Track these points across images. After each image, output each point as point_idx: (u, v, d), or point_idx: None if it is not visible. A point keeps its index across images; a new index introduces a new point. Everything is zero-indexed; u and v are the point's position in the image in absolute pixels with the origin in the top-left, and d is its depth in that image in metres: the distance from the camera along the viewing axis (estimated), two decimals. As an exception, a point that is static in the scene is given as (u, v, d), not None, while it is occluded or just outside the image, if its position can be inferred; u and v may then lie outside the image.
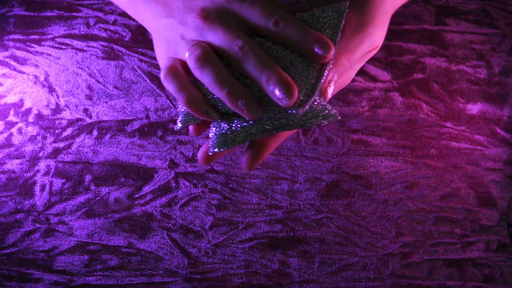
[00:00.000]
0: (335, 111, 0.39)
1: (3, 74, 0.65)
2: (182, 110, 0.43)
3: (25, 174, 0.61)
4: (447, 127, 0.62)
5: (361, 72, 0.64)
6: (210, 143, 0.41)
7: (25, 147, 0.62)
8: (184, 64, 0.42)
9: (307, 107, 0.38)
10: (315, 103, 0.39)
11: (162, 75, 0.41)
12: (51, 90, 0.64)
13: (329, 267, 0.58)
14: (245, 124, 0.40)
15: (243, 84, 0.39)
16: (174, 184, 0.60)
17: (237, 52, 0.39)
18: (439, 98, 0.63)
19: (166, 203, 0.60)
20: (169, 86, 0.41)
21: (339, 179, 0.60)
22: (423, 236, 0.59)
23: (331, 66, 0.40)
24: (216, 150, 0.41)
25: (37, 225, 0.59)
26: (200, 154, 0.43)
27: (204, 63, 0.39)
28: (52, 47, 0.65)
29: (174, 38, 0.42)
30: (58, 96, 0.64)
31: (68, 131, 0.62)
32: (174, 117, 0.63)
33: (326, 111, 0.39)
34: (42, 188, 0.60)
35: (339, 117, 0.40)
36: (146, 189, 0.60)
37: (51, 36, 0.65)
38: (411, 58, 0.64)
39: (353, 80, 0.64)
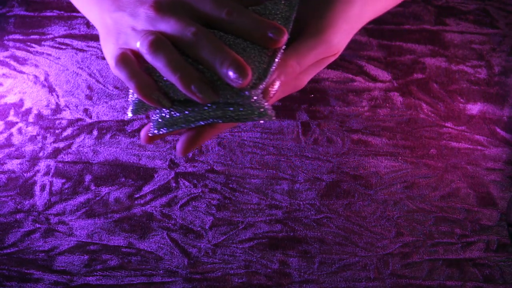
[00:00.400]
0: (271, 111, 0.40)
1: (3, 74, 0.65)
2: (133, 98, 0.43)
3: (25, 174, 0.61)
4: (447, 127, 0.62)
5: (361, 72, 0.64)
6: (151, 124, 0.42)
7: (25, 147, 0.62)
8: (135, 53, 0.42)
9: (259, 90, 0.39)
10: (254, 98, 0.40)
11: (112, 64, 0.41)
12: (51, 90, 0.64)
13: (329, 267, 0.58)
14: (185, 112, 0.41)
15: (196, 69, 0.40)
16: (174, 184, 0.60)
17: (190, 38, 0.39)
18: (439, 98, 0.63)
19: (166, 203, 0.60)
20: (121, 73, 0.41)
21: (339, 179, 0.60)
22: (423, 236, 0.59)
23: (278, 58, 0.41)
24: (156, 132, 0.42)
25: (37, 225, 0.59)
26: (142, 133, 0.44)
27: (157, 49, 0.39)
28: (52, 47, 0.65)
29: (125, 31, 0.42)
30: (58, 96, 0.64)
31: (68, 131, 0.62)
32: (174, 117, 0.63)
33: (262, 109, 0.40)
34: (42, 188, 0.60)
35: (274, 118, 0.40)
36: (146, 189, 0.60)
37: (51, 36, 0.65)
38: (411, 58, 0.64)
39: (353, 80, 0.64)
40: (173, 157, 0.61)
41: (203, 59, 0.39)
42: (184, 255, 0.58)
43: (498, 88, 0.63)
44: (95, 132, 0.62)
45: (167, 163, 0.61)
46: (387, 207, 0.59)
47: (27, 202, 0.60)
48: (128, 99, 0.44)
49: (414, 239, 0.59)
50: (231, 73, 0.38)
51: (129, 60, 0.41)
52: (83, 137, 0.62)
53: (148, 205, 0.60)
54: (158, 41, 0.40)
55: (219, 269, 0.58)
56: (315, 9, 0.44)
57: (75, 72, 0.63)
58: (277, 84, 0.42)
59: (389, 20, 0.66)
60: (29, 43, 0.66)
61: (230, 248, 0.59)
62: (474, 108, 0.63)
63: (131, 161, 0.61)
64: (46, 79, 0.64)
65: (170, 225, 0.59)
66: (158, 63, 0.40)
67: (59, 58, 0.64)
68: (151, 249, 0.59)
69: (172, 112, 0.42)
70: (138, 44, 0.41)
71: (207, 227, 0.59)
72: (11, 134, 0.62)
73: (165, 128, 0.42)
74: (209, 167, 0.61)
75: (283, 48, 0.41)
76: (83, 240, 0.59)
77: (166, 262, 0.58)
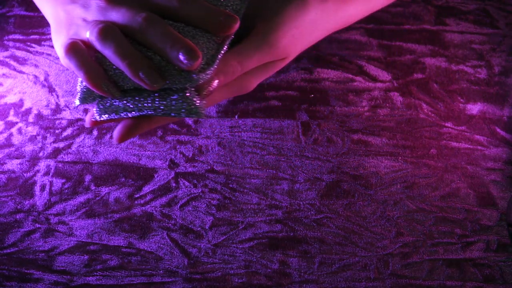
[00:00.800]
0: (203, 110, 0.41)
1: (3, 74, 0.65)
2: (81, 87, 0.43)
3: (25, 174, 0.61)
4: (447, 127, 0.62)
5: (361, 72, 0.64)
6: (95, 110, 0.43)
7: (25, 147, 0.62)
8: (85, 43, 0.42)
9: (208, 75, 0.40)
10: (187, 93, 0.40)
11: (62, 54, 0.41)
12: (51, 90, 0.64)
13: (329, 267, 0.58)
14: (125, 101, 0.42)
15: (145, 56, 0.40)
16: (174, 184, 0.60)
17: (140, 23, 0.40)
18: (439, 98, 0.63)
19: (166, 203, 0.60)
20: (70, 62, 0.41)
21: (339, 179, 0.60)
22: (423, 236, 0.59)
23: (227, 46, 0.41)
24: (97, 117, 0.43)
25: (37, 225, 0.59)
26: (87, 117, 0.44)
27: (105, 36, 0.40)
28: (52, 47, 0.65)
29: (76, 22, 0.42)
30: (58, 96, 0.64)
31: (68, 131, 0.62)
32: (174, 117, 0.63)
33: (193, 106, 0.40)
34: (42, 188, 0.60)
35: (204, 117, 0.41)
36: (146, 189, 0.60)
37: (51, 36, 0.65)
38: (411, 58, 0.64)
39: (353, 80, 0.64)
40: (173, 157, 0.61)
41: (153, 44, 0.40)
42: (184, 255, 0.58)
43: (498, 88, 0.63)
44: (95, 132, 0.62)
45: (167, 163, 0.61)
46: (387, 207, 0.59)
47: (27, 202, 0.60)
48: (77, 88, 0.44)
49: (414, 239, 0.59)
50: (181, 56, 0.38)
51: (79, 49, 0.41)
52: (83, 137, 0.62)
53: (148, 205, 0.60)
54: (107, 29, 0.40)
55: (219, 269, 0.58)
56: (264, 12, 0.44)
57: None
58: (215, 83, 0.42)
59: (389, 20, 0.66)
60: (29, 43, 0.66)
61: (230, 248, 0.59)
62: (474, 108, 0.63)
63: (131, 161, 0.61)
64: (46, 79, 0.64)
65: (170, 225, 0.59)
66: (107, 51, 0.40)
67: (59, 58, 0.64)
68: (151, 249, 0.59)
69: (114, 101, 0.42)
70: (88, 34, 0.41)
71: (207, 227, 0.59)
72: (11, 134, 0.62)
73: (106, 115, 0.43)
74: (209, 167, 0.61)
75: (229, 39, 0.42)
76: (83, 240, 0.59)
77: (166, 262, 0.58)
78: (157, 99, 0.41)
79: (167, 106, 0.41)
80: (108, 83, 0.41)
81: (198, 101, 0.41)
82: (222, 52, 0.41)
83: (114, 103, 0.43)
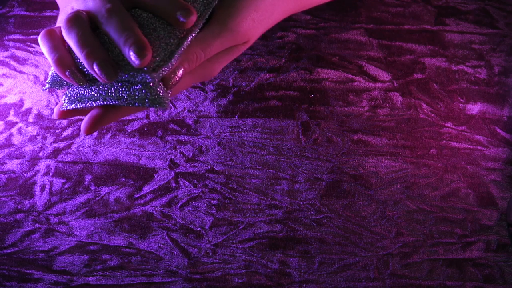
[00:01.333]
0: (167, 100, 0.41)
1: (3, 74, 0.65)
2: (52, 72, 0.44)
3: (25, 174, 0.61)
4: (447, 127, 0.62)
5: (361, 72, 0.64)
6: (63, 99, 0.44)
7: (25, 147, 0.62)
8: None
9: (163, 73, 0.40)
10: (151, 84, 0.40)
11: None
12: (51, 90, 0.64)
13: (329, 267, 0.58)
14: (90, 90, 0.42)
15: (104, 48, 0.40)
16: (174, 184, 0.60)
17: (104, 14, 0.40)
18: (439, 98, 0.63)
19: (166, 203, 0.60)
20: (43, 47, 0.42)
21: (339, 179, 0.60)
22: (423, 236, 0.59)
23: (189, 42, 0.41)
24: (65, 107, 0.43)
25: (37, 225, 0.59)
26: (55, 110, 0.45)
27: (71, 25, 0.40)
28: (52, 47, 0.65)
29: (66, 10, 0.44)
30: (58, 96, 0.64)
31: (68, 131, 0.62)
32: (174, 117, 0.63)
33: (156, 96, 0.40)
34: (42, 188, 0.60)
35: (169, 107, 0.41)
36: (146, 189, 0.60)
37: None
38: (411, 58, 0.64)
39: (353, 80, 0.64)
40: (173, 157, 0.61)
41: (112, 36, 0.40)
42: (184, 255, 0.58)
43: (498, 88, 0.63)
44: (95, 132, 0.62)
45: (167, 163, 0.61)
46: (387, 207, 0.59)
47: (27, 202, 0.60)
48: (48, 72, 0.45)
49: (414, 239, 0.59)
50: (131, 53, 0.38)
51: (52, 36, 0.42)
52: (83, 137, 0.62)
53: (148, 205, 0.60)
54: (74, 18, 0.40)
55: (219, 269, 0.58)
56: None
57: (75, 72, 0.63)
58: (180, 72, 0.42)
59: (389, 20, 0.66)
60: (29, 43, 0.66)
61: (230, 248, 0.59)
62: (474, 108, 0.63)
63: (131, 161, 0.61)
64: (46, 79, 0.64)
65: (170, 225, 0.59)
66: (70, 40, 0.40)
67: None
68: (151, 249, 0.59)
69: (80, 89, 0.43)
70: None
71: (207, 227, 0.59)
72: (11, 134, 0.62)
73: (73, 104, 0.43)
74: (209, 167, 0.61)
75: (193, 33, 0.42)
76: (83, 240, 0.59)
77: (166, 262, 0.58)
78: (121, 89, 0.41)
79: (131, 96, 0.41)
80: (74, 70, 0.41)
81: (162, 91, 0.41)
82: (184, 47, 0.41)
83: (80, 92, 0.43)
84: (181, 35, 0.41)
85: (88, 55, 0.39)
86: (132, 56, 0.38)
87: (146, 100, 0.40)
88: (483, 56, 0.64)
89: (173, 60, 0.40)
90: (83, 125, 0.43)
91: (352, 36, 0.65)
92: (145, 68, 0.40)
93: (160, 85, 0.41)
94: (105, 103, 0.42)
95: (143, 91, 0.40)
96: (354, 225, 0.59)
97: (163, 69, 0.40)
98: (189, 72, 0.44)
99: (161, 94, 0.41)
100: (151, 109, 0.63)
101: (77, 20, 0.40)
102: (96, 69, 0.39)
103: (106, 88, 0.42)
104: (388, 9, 0.66)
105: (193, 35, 0.42)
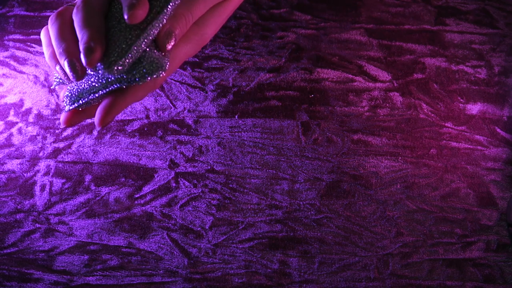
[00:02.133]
0: (165, 64, 0.40)
1: (3, 74, 0.65)
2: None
3: (25, 174, 0.61)
4: (447, 127, 0.62)
5: (361, 72, 0.64)
6: (65, 102, 0.44)
7: (25, 147, 0.62)
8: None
9: (119, 67, 0.40)
10: (147, 51, 0.40)
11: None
12: (51, 90, 0.64)
13: (329, 267, 0.58)
14: (90, 81, 0.42)
15: (74, 44, 0.41)
16: (174, 184, 0.60)
17: (74, 10, 0.41)
18: (439, 98, 0.63)
19: (166, 203, 0.60)
20: (42, 42, 0.43)
21: (339, 179, 0.60)
22: (423, 236, 0.59)
23: (151, 36, 0.41)
24: (68, 107, 0.43)
25: (37, 225, 0.59)
26: (61, 118, 0.45)
27: (54, 20, 0.41)
28: (52, 47, 0.65)
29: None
30: (58, 96, 0.64)
31: (68, 131, 0.62)
32: (174, 117, 0.63)
33: (154, 65, 0.40)
34: (42, 188, 0.60)
35: (163, 75, 0.40)
36: (146, 189, 0.60)
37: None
38: (411, 58, 0.64)
39: (353, 80, 0.64)
40: (173, 157, 0.61)
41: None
42: (184, 255, 0.58)
43: (498, 88, 0.63)
44: (95, 132, 0.62)
45: (167, 163, 0.61)
46: (387, 207, 0.59)
47: (27, 202, 0.60)
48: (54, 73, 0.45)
49: (414, 239, 0.59)
50: (81, 50, 0.39)
51: (47, 30, 0.43)
52: (83, 137, 0.62)
53: (148, 205, 0.60)
54: (58, 14, 0.42)
55: (219, 269, 0.58)
56: None
57: (75, 72, 0.64)
58: (173, 39, 0.42)
59: (389, 20, 0.66)
60: (29, 43, 0.66)
61: (230, 248, 0.59)
62: (474, 108, 0.63)
63: (131, 161, 0.61)
64: (46, 79, 0.64)
65: (170, 225, 0.59)
66: (51, 34, 0.41)
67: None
68: (151, 249, 0.59)
69: (80, 84, 0.43)
70: None
71: (207, 227, 0.59)
72: (11, 134, 0.62)
73: (75, 102, 0.43)
74: (209, 167, 0.61)
75: (151, 31, 0.41)
76: (83, 240, 0.59)
77: (166, 262, 0.58)
78: (126, 71, 0.41)
79: (129, 74, 0.40)
80: (73, 61, 0.42)
81: (158, 58, 0.40)
82: (143, 44, 0.40)
83: (80, 87, 0.43)
84: (142, 25, 0.41)
85: (63, 51, 0.40)
86: (82, 53, 0.39)
87: (144, 70, 0.40)
88: (483, 56, 0.64)
89: (127, 55, 0.40)
90: (96, 118, 0.43)
91: (352, 36, 0.65)
92: (102, 66, 0.40)
93: (155, 52, 0.41)
94: (107, 90, 0.42)
95: (139, 66, 0.40)
96: (354, 225, 0.59)
97: (119, 62, 0.40)
98: (183, 41, 0.44)
99: (157, 61, 0.40)
100: (152, 109, 0.63)
101: (59, 15, 0.42)
102: (66, 67, 0.40)
103: (107, 75, 0.42)
104: (388, 9, 0.66)
105: (158, 24, 0.41)
